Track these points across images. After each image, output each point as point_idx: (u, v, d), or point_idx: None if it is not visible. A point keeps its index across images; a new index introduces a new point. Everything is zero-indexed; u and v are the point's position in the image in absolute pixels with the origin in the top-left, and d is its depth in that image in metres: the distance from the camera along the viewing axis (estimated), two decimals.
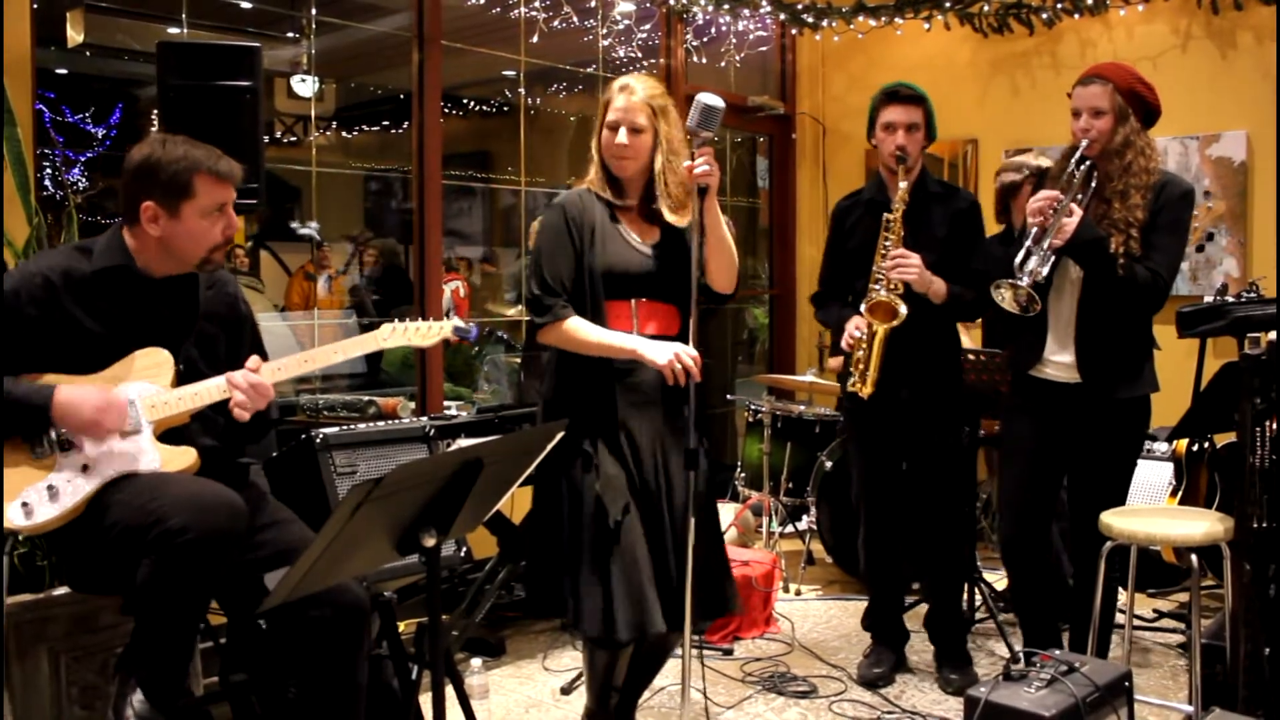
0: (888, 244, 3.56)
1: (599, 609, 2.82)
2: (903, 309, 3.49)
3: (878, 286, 3.55)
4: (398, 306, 5.99)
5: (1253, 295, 3.86)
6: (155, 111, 3.50)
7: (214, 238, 2.64)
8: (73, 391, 2.49)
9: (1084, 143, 3.24)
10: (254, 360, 2.64)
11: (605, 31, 5.83)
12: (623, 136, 2.89)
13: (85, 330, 2.58)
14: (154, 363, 2.63)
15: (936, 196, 3.73)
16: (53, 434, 2.52)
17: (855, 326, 3.60)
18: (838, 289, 3.85)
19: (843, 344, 3.65)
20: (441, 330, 2.76)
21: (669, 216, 2.92)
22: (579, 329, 2.88)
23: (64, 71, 4.78)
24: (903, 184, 3.59)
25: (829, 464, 4.98)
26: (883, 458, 3.82)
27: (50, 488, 2.49)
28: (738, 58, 6.46)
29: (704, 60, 6.35)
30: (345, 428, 3.67)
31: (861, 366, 3.59)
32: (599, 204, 2.95)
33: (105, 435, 2.52)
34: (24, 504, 2.47)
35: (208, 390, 2.62)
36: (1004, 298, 3.19)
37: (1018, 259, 3.19)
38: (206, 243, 2.63)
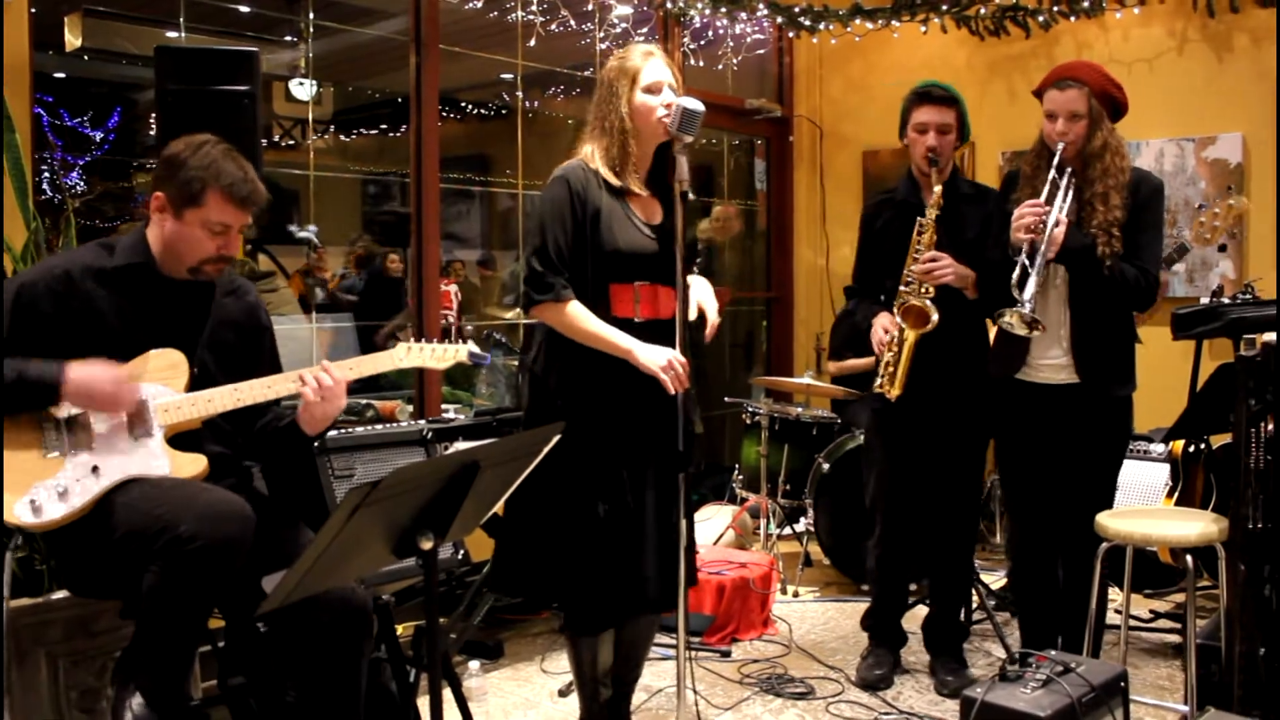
0: (920, 248, 3.56)
1: (584, 594, 2.86)
2: (934, 316, 3.49)
3: (908, 289, 3.56)
4: (380, 309, 6.00)
5: (1248, 297, 3.87)
6: (154, 116, 3.50)
7: (206, 250, 2.64)
8: (87, 367, 2.49)
9: (1059, 145, 3.29)
10: (325, 363, 2.65)
11: (602, 35, 5.84)
12: (669, 95, 2.87)
13: (102, 326, 2.59)
14: (169, 364, 2.63)
15: (968, 198, 3.71)
16: (64, 428, 2.52)
17: (884, 328, 3.60)
18: (871, 285, 3.83)
19: (873, 345, 3.66)
20: (457, 354, 2.77)
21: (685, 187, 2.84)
22: (578, 317, 2.85)
23: (62, 75, 4.79)
24: (937, 188, 3.57)
25: (826, 466, 4.99)
26: (906, 458, 3.79)
27: (60, 487, 2.49)
28: (735, 61, 6.46)
29: (701, 63, 6.35)
30: (343, 431, 3.67)
31: (891, 369, 3.59)
32: (603, 182, 2.91)
33: (120, 409, 2.52)
34: (32, 501, 2.47)
35: (220, 397, 2.63)
36: (1012, 324, 3.22)
37: (1015, 278, 3.23)
38: (199, 252, 2.63)
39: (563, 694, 3.77)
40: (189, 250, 2.63)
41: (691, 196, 2.92)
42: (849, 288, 4.07)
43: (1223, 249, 5.34)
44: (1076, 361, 3.38)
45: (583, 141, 3.00)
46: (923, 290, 3.53)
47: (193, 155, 2.60)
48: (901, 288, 3.58)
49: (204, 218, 2.60)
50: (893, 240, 3.70)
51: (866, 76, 6.59)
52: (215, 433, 2.73)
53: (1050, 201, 3.26)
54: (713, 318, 2.97)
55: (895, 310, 3.58)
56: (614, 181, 2.91)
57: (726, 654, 4.18)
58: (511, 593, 3.08)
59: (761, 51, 6.67)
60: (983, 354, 3.70)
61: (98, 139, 4.88)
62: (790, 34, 6.55)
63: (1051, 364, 3.43)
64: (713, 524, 5.21)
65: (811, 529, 5.11)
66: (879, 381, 3.62)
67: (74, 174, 4.75)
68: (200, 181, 2.58)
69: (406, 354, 2.76)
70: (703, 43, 6.37)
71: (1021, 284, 3.21)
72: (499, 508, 2.59)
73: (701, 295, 2.98)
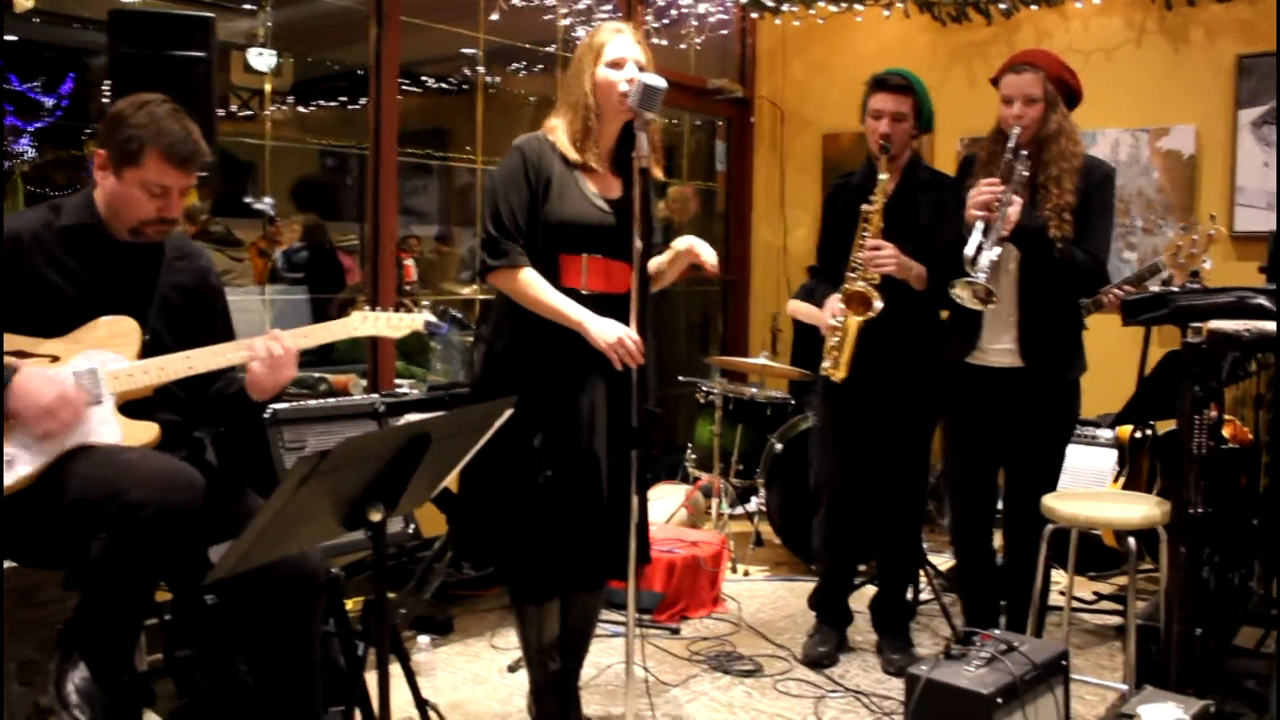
0: (866, 234, 3.58)
1: (529, 562, 2.86)
2: (878, 303, 3.50)
3: (852, 275, 3.58)
4: (325, 282, 5.94)
5: (1195, 285, 3.92)
6: (107, 81, 3.44)
7: (145, 212, 2.58)
8: (31, 380, 2.42)
9: (1015, 130, 3.33)
10: (276, 331, 2.61)
11: (565, 11, 5.81)
12: (633, 71, 2.85)
13: (52, 290, 2.54)
14: (120, 331, 2.59)
15: (924, 185, 3.73)
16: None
17: (832, 313, 3.63)
18: (832, 266, 3.84)
19: (822, 329, 3.69)
20: (413, 322, 2.74)
21: (652, 169, 2.82)
22: (531, 284, 2.85)
23: (13, 39, 4.69)
24: (883, 175, 3.59)
25: (779, 446, 5.02)
26: (854, 439, 3.81)
27: (7, 455, 2.44)
28: (698, 40, 6.46)
29: (664, 42, 6.34)
30: (295, 404, 3.64)
31: (835, 352, 3.61)
32: (558, 154, 2.91)
33: (55, 430, 2.45)
34: None
35: (172, 364, 2.59)
36: (962, 296, 3.25)
37: (969, 253, 3.25)
38: (137, 213, 2.58)
39: (512, 669, 3.77)
40: (129, 210, 2.58)
41: (659, 174, 2.93)
42: (812, 267, 4.12)
43: (1194, 275, 5.35)
44: (1023, 346, 3.43)
45: (551, 116, 3.00)
46: (869, 277, 3.55)
47: (135, 114, 2.54)
48: (847, 273, 3.60)
49: (142, 178, 2.54)
50: (847, 224, 3.72)
51: (829, 60, 6.60)
52: (168, 401, 2.69)
53: (1006, 182, 3.30)
54: (707, 257, 2.96)
55: (839, 297, 3.60)
56: (572, 156, 2.90)
57: (676, 631, 4.20)
58: (470, 559, 3.07)
59: (724, 32, 6.68)
60: (932, 337, 3.73)
61: (49, 105, 4.78)
62: (753, 15, 6.56)
63: (1001, 349, 3.47)
64: (665, 503, 5.23)
65: (763, 509, 5.14)
66: (825, 364, 3.66)
67: (24, 140, 4.66)
68: (139, 141, 2.52)
69: (362, 322, 2.73)
70: (666, 21, 6.36)
71: (975, 259, 3.25)
72: (452, 482, 2.58)
73: (691, 240, 2.98)
